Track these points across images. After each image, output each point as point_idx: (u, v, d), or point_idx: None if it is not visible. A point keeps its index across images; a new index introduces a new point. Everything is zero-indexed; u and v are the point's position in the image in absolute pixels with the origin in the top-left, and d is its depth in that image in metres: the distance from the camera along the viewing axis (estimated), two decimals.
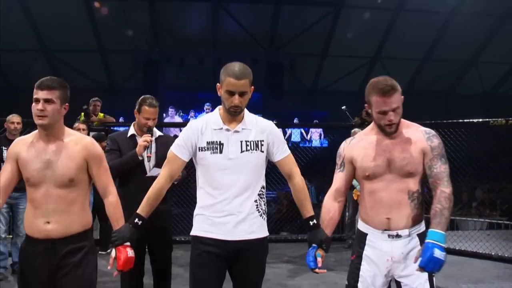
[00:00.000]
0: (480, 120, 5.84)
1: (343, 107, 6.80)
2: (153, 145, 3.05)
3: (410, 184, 2.09)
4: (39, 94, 2.10)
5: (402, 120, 2.14)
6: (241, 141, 2.17)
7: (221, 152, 2.14)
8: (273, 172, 7.42)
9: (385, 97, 2.03)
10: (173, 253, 5.55)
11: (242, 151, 2.16)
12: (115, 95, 14.77)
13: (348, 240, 6.16)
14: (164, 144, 3.02)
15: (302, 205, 2.27)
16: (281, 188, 8.61)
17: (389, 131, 2.09)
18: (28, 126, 4.80)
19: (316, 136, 14.99)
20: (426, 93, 14.82)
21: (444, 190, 2.03)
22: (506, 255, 5.49)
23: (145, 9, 13.55)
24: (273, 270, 4.92)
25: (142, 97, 3.10)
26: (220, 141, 2.15)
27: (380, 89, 2.03)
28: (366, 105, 2.15)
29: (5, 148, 4.64)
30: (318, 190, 10.52)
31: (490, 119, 5.65)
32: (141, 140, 2.97)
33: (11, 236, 4.88)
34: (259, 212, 2.20)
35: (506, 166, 10.97)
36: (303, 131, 14.60)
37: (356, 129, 6.34)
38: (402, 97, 2.10)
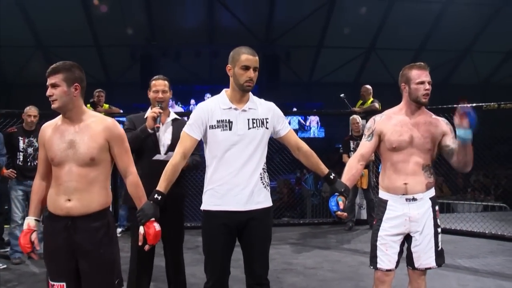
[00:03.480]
0: (474, 104, 6.01)
1: (342, 95, 6.95)
2: (169, 127, 3.07)
3: (425, 159, 2.52)
4: (47, 81, 2.21)
5: (424, 108, 2.58)
6: (248, 119, 2.38)
7: (230, 129, 2.35)
8: (272, 161, 7.62)
9: (423, 71, 2.51)
10: None
11: (249, 128, 2.37)
12: (112, 90, 14.84)
13: (348, 223, 6.36)
14: (180, 126, 3.00)
15: (317, 167, 2.54)
16: (280, 177, 8.80)
17: (424, 101, 2.51)
18: (43, 117, 4.96)
19: (314, 123, 15.26)
20: None
21: None
22: (499, 233, 5.74)
23: (141, 3, 13.59)
24: (278, 251, 5.11)
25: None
26: (229, 119, 2.36)
27: (419, 65, 2.53)
28: (402, 84, 2.55)
29: (21, 138, 4.81)
30: (316, 180, 10.74)
31: (483, 104, 5.84)
32: (149, 112, 3.00)
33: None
34: (263, 184, 2.42)
35: (502, 152, 11.21)
36: (300, 119, 14.84)
37: (355, 116, 6.53)
38: None
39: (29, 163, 4.81)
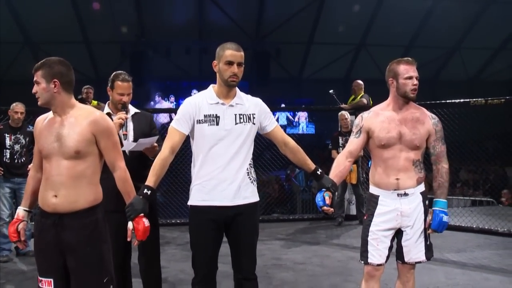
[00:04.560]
0: (462, 100, 6.08)
1: (331, 91, 6.96)
2: (130, 123, 2.96)
3: (414, 154, 2.53)
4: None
5: (412, 102, 2.59)
6: (235, 114, 2.38)
7: (217, 124, 2.35)
8: (262, 157, 7.64)
9: (412, 65, 2.52)
10: (170, 234, 5.79)
11: (236, 123, 2.37)
12: (101, 86, 14.71)
13: (337, 218, 6.39)
14: (141, 119, 3.00)
15: (304, 162, 2.55)
16: (270, 173, 8.82)
17: (411, 96, 2.52)
18: (31, 114, 4.92)
19: (303, 119, 15.33)
20: None
21: (444, 166, 2.58)
22: (486, 227, 5.82)
23: (131, 0, 13.52)
24: (268, 247, 5.13)
25: (114, 73, 2.97)
26: (216, 114, 2.36)
27: (406, 60, 2.54)
28: (390, 79, 2.56)
29: (8, 135, 4.76)
30: (307, 176, 10.77)
31: (470, 99, 5.90)
32: (115, 118, 2.83)
33: None
34: (250, 179, 2.43)
35: (490, 148, 11.34)
36: (289, 115, 14.89)
37: (343, 112, 6.56)
38: None
39: (16, 160, 4.76)
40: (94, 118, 2.23)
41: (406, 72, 2.50)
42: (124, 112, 2.89)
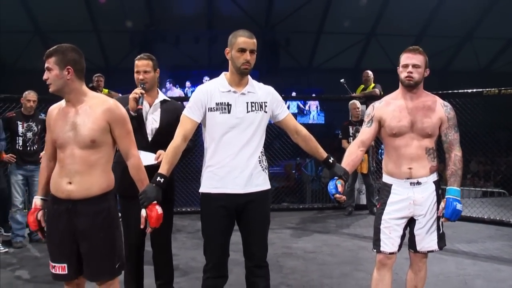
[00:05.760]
0: (474, 90, 5.99)
1: (342, 80, 6.93)
2: (158, 109, 2.91)
3: (427, 142, 2.52)
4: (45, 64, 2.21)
5: (424, 90, 2.58)
6: (247, 102, 2.37)
7: (229, 112, 2.34)
8: (271, 147, 7.61)
9: (410, 54, 2.51)
10: (181, 222, 5.82)
11: (248, 111, 2.36)
12: (111, 75, 14.76)
13: (348, 208, 6.39)
14: (170, 108, 2.93)
15: (316, 151, 2.55)
16: (279, 164, 8.83)
17: (406, 83, 2.51)
18: (42, 102, 4.96)
19: (314, 107, 15.29)
20: None
21: (457, 153, 2.54)
22: (497, 218, 5.78)
23: None
24: (278, 235, 5.14)
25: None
26: (228, 102, 2.35)
27: (409, 49, 2.54)
28: (397, 68, 2.56)
29: (20, 123, 4.80)
30: (317, 165, 10.76)
31: (483, 89, 5.81)
32: (131, 94, 2.81)
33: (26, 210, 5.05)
34: (262, 167, 2.42)
35: (502, 138, 11.21)
36: (300, 103, 14.85)
37: (355, 101, 6.52)
38: (427, 63, 2.53)
39: (28, 148, 4.81)
40: (109, 106, 2.24)
41: (404, 61, 2.51)
42: (142, 87, 2.84)
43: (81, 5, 13.35)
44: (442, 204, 2.48)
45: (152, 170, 2.46)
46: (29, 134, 4.82)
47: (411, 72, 2.48)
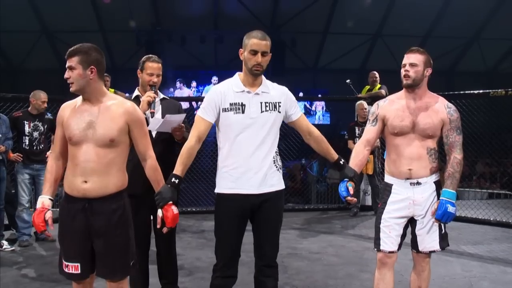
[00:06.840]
0: (481, 91, 5.96)
1: (348, 81, 6.92)
2: (158, 106, 2.98)
3: (428, 143, 2.54)
4: (66, 63, 2.21)
5: (428, 91, 2.60)
6: (261, 102, 2.38)
7: (243, 112, 2.34)
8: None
9: (408, 54, 2.56)
10: (186, 222, 5.84)
11: (262, 111, 2.37)
12: (117, 75, 14.81)
13: (353, 209, 6.38)
14: (170, 106, 3.02)
15: (327, 152, 2.55)
16: (286, 164, 8.81)
17: (404, 82, 2.54)
18: (49, 103, 4.97)
19: (320, 108, 15.32)
20: None
21: (456, 156, 2.53)
22: (504, 220, 5.74)
23: None
24: (283, 236, 5.03)
25: (145, 56, 3.04)
26: (242, 102, 2.35)
27: (409, 49, 2.58)
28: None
29: (27, 123, 4.84)
30: (322, 166, 10.75)
31: (490, 90, 5.77)
32: (144, 96, 2.89)
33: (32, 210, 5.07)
34: (276, 167, 2.43)
35: (509, 140, 11.13)
36: (306, 104, 14.87)
37: (362, 101, 6.50)
38: (428, 62, 2.55)
39: (35, 147, 4.83)
40: (128, 108, 2.28)
41: (403, 61, 2.55)
42: (154, 91, 2.92)
43: (88, 5, 13.39)
44: (435, 206, 2.49)
45: (166, 162, 2.50)
46: (36, 134, 4.85)
47: (408, 71, 2.51)
